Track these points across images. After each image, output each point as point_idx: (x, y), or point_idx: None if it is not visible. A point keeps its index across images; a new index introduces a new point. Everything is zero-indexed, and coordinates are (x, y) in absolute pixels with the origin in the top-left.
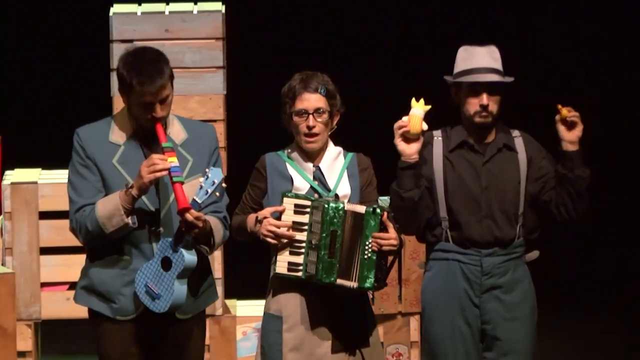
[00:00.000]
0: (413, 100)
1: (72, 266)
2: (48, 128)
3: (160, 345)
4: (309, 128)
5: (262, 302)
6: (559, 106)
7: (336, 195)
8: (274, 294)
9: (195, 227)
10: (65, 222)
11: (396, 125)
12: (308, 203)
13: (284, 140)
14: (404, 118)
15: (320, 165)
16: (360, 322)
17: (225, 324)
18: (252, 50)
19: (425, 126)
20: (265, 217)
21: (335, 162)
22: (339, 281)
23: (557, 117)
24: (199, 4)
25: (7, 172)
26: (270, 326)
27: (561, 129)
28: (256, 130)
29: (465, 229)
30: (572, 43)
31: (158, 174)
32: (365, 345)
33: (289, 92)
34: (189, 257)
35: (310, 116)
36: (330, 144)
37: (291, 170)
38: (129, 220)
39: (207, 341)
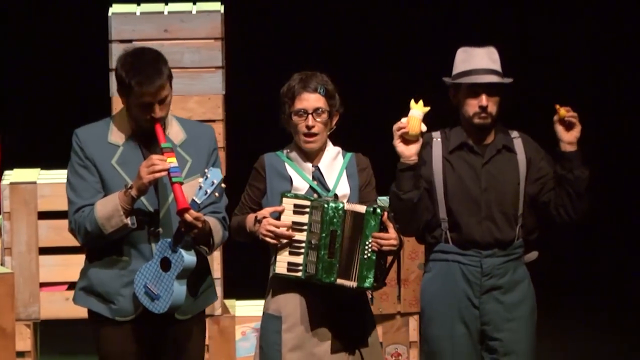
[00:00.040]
0: (412, 101)
1: (71, 266)
2: (47, 128)
3: (160, 346)
4: (308, 128)
5: (261, 302)
6: (557, 106)
7: (335, 195)
8: (273, 294)
9: (194, 228)
10: (64, 222)
11: (395, 126)
12: (307, 203)
13: (283, 140)
14: (403, 119)
15: (320, 165)
16: (360, 322)
17: (224, 324)
18: (251, 50)
19: (424, 127)
20: (264, 217)
21: (334, 162)
22: (339, 281)
23: (556, 117)
24: (197, 4)
25: (6, 172)
26: (270, 326)
27: (559, 129)
28: (255, 131)
29: (465, 231)
30: (572, 43)
31: (157, 175)
32: (364, 345)
33: (288, 92)
34: (188, 257)
35: (310, 116)
36: (329, 144)
37: (290, 171)
38: (128, 220)
39: (206, 341)
